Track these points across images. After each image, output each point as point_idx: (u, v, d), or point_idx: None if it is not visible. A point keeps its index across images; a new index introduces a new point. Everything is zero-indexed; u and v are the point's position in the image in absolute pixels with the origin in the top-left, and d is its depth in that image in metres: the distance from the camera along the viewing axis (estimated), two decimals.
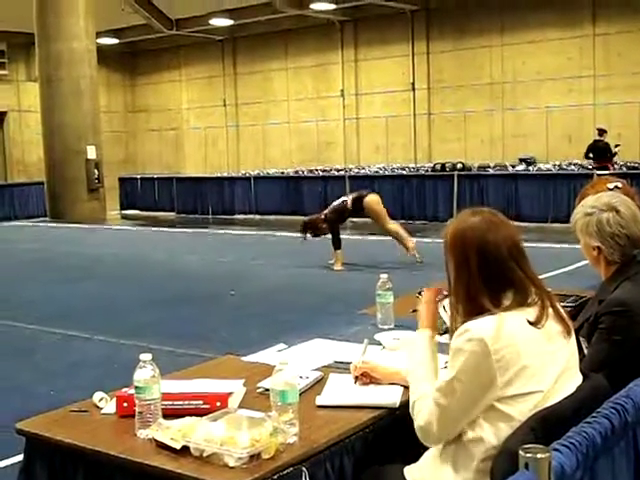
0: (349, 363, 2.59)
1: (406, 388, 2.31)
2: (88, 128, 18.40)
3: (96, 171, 18.46)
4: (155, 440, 2.06)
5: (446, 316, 2.23)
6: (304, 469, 1.98)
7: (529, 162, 17.89)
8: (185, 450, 1.99)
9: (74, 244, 13.81)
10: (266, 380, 2.41)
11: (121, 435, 2.16)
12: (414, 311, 3.21)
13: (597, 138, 15.52)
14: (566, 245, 9.78)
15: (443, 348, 2.33)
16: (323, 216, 9.78)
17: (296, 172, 20.38)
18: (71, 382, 5.19)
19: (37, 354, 6.23)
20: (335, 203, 9.95)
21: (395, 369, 2.50)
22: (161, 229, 16.55)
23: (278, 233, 14.33)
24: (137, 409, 2.14)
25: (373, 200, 9.92)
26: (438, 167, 18.39)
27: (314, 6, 19.71)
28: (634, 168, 15.74)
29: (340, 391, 2.44)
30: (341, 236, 9.86)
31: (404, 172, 18.19)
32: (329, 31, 21.64)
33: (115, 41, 23.80)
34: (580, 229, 2.59)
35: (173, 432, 2.03)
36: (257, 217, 17.88)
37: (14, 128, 24.26)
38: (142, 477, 2.00)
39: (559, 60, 18.03)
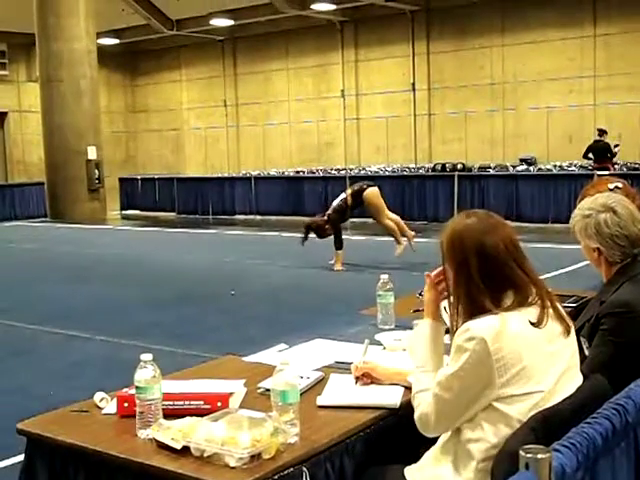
0: (350, 363, 2.59)
1: (407, 389, 2.31)
2: (88, 128, 18.40)
3: (96, 171, 18.46)
4: (156, 440, 2.06)
5: (446, 316, 2.22)
6: (305, 469, 1.98)
7: (530, 162, 17.89)
8: (186, 450, 1.98)
9: (74, 244, 13.80)
10: (267, 380, 2.41)
11: (122, 435, 2.16)
12: (415, 311, 3.23)
13: (597, 138, 15.52)
14: (567, 246, 9.78)
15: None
16: (326, 217, 9.76)
17: (297, 172, 20.40)
18: (72, 382, 5.20)
19: (37, 354, 6.22)
20: (335, 203, 9.93)
21: (396, 369, 2.50)
22: (161, 229, 16.55)
23: (278, 233, 14.34)
24: (138, 409, 2.14)
25: (373, 193, 9.91)
26: (439, 167, 18.41)
27: (315, 6, 19.72)
28: (634, 169, 15.75)
29: (341, 391, 2.44)
30: (342, 237, 9.85)
31: (405, 172, 18.22)
32: (329, 31, 21.63)
33: (115, 41, 23.80)
34: (579, 231, 2.59)
35: (174, 432, 2.03)
36: (258, 217, 17.87)
37: (15, 128, 24.25)
38: (143, 477, 2.00)
39: (560, 60, 18.01)
